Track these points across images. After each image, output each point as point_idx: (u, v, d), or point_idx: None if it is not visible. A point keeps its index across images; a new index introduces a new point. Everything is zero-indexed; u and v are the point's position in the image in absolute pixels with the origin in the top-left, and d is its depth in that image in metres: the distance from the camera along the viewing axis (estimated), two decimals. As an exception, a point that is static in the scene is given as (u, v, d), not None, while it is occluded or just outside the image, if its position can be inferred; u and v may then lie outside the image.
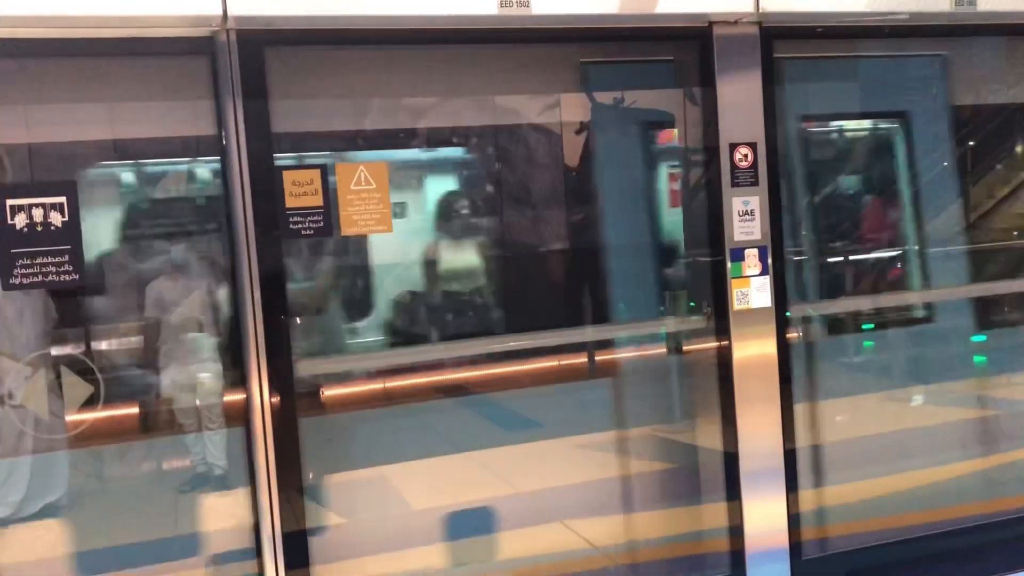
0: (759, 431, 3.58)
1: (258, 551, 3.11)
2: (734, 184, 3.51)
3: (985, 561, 3.91)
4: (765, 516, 3.59)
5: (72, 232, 2.82)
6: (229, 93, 2.97)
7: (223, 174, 3.03)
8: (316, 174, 3.06)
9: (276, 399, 3.05)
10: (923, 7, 3.57)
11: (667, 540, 3.78)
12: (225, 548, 3.36)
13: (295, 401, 3.11)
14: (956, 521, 4.00)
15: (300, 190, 3.05)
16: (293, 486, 3.12)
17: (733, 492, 3.58)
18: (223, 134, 2.99)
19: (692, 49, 3.53)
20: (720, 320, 3.55)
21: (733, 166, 3.51)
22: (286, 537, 3.10)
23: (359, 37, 3.16)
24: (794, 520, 3.63)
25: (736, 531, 3.58)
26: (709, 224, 3.56)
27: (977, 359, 4.74)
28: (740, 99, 3.52)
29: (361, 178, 3.13)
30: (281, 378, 3.06)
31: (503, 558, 3.67)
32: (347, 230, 3.12)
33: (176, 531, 3.47)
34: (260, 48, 3.00)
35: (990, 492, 4.22)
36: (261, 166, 3.00)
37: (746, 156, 3.52)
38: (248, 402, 3.07)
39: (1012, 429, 4.46)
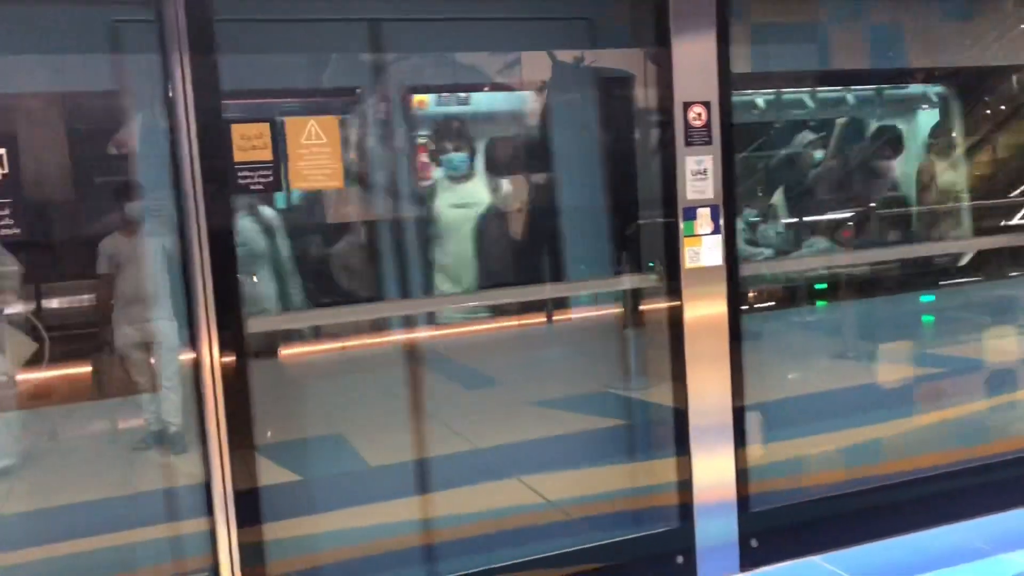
0: (709, 388, 3.64)
1: (209, 509, 3.11)
2: (688, 143, 3.52)
3: (926, 512, 4.03)
4: (713, 470, 3.66)
5: (12, 185, 2.76)
6: (175, 47, 2.92)
7: (170, 129, 2.98)
8: (265, 128, 3.01)
9: (226, 357, 3.03)
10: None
11: (619, 494, 3.85)
12: (177, 506, 3.36)
13: (247, 359, 3.10)
14: (897, 475, 4.11)
15: (249, 144, 3.00)
16: (245, 444, 3.12)
17: (683, 447, 3.64)
18: (169, 87, 2.93)
19: (648, 6, 3.52)
20: (672, 279, 3.58)
21: (687, 125, 3.52)
22: (238, 495, 3.10)
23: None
24: (742, 474, 3.70)
25: (685, 485, 3.65)
26: (663, 183, 3.58)
27: (925, 319, 4.85)
28: (695, 57, 3.51)
29: (312, 132, 3.09)
30: (231, 336, 3.04)
31: (459, 513, 3.70)
32: (297, 184, 3.09)
33: (129, 490, 3.46)
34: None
35: (931, 446, 4.33)
36: (208, 120, 2.95)
37: (700, 115, 3.52)
38: (198, 360, 3.05)
39: (953, 386, 4.58)
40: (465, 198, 4.17)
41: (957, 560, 3.75)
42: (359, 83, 3.87)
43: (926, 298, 4.79)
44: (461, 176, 4.15)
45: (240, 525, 3.09)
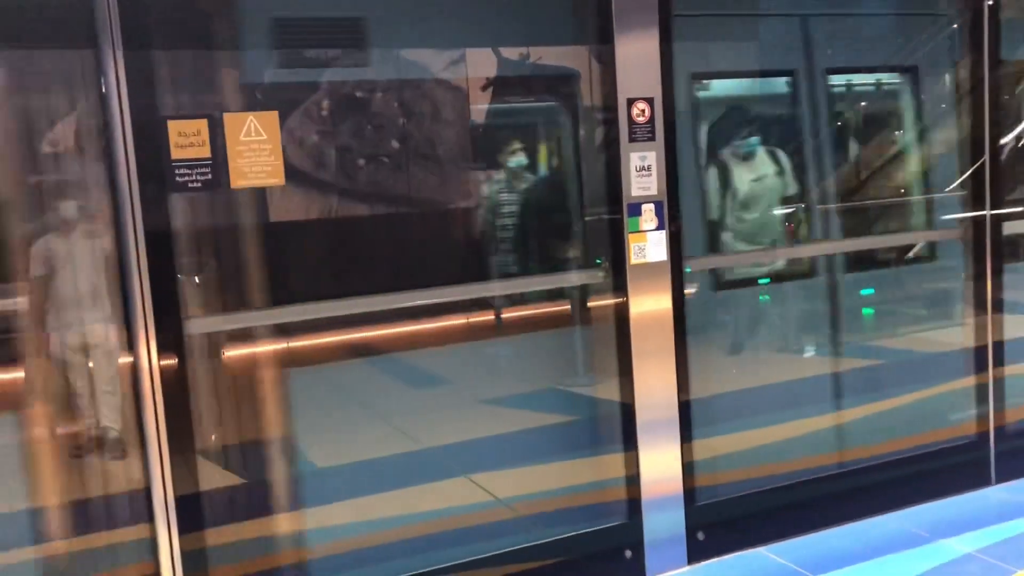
0: (654, 383, 3.66)
1: (150, 515, 3.04)
2: (631, 139, 3.54)
3: (868, 501, 4.12)
4: (660, 465, 3.69)
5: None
6: (108, 41, 2.84)
7: (105, 126, 2.90)
8: (203, 124, 2.95)
9: (165, 360, 2.97)
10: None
11: (568, 490, 3.85)
12: (117, 513, 3.27)
13: (186, 361, 3.03)
14: (840, 465, 4.19)
15: (186, 141, 2.94)
16: (187, 448, 3.05)
17: (630, 442, 3.66)
18: (102, 82, 2.86)
19: (591, 4, 3.53)
20: (618, 274, 3.60)
21: (630, 121, 3.53)
22: (179, 500, 3.03)
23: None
24: (688, 468, 3.74)
25: (633, 480, 3.67)
26: (607, 179, 3.59)
27: (865, 311, 4.95)
28: (638, 54, 3.53)
29: (251, 128, 3.04)
30: (170, 338, 2.98)
31: (409, 513, 3.68)
32: (237, 182, 3.03)
33: (66, 498, 3.36)
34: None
35: (870, 438, 4.42)
36: (144, 117, 2.88)
37: (643, 111, 3.54)
38: (135, 364, 2.98)
39: (892, 378, 4.68)
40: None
41: (899, 547, 3.83)
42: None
43: (866, 291, 4.89)
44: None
45: (182, 531, 3.03)
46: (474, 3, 3.67)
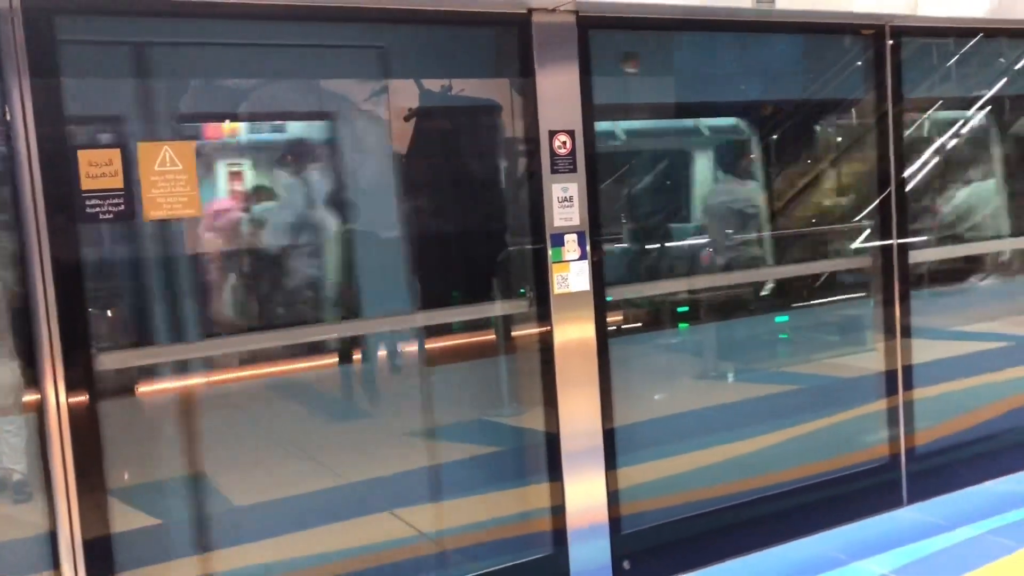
0: (579, 412, 3.68)
1: (55, 562, 2.90)
2: (553, 171, 3.58)
3: (788, 525, 4.19)
4: (585, 494, 3.69)
5: None
6: (14, 67, 2.74)
7: (9, 155, 2.80)
8: (116, 154, 2.87)
9: (73, 398, 2.85)
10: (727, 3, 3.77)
11: (494, 522, 3.82)
12: (20, 559, 3.11)
13: (97, 399, 2.92)
14: (761, 490, 4.26)
15: (98, 171, 2.85)
16: (96, 489, 2.93)
17: (555, 472, 3.66)
18: (6, 111, 2.75)
19: (512, 36, 3.57)
20: (541, 304, 3.62)
21: (552, 153, 3.57)
22: (88, 544, 2.90)
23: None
24: (613, 497, 3.75)
25: (558, 510, 3.66)
26: (531, 210, 3.61)
27: (782, 336, 5.07)
28: (558, 87, 3.58)
29: (166, 158, 2.97)
30: (79, 375, 2.86)
31: (330, 550, 3.59)
32: (151, 214, 2.95)
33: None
34: (50, 18, 2.78)
35: (790, 461, 4.52)
36: (52, 146, 2.79)
37: (564, 143, 3.59)
38: (42, 402, 2.85)
39: (809, 402, 4.80)
40: None
41: (819, 570, 3.91)
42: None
43: (780, 319, 5.01)
44: None
45: None
46: (400, 37, 3.67)
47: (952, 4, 4.40)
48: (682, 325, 4.71)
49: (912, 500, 4.58)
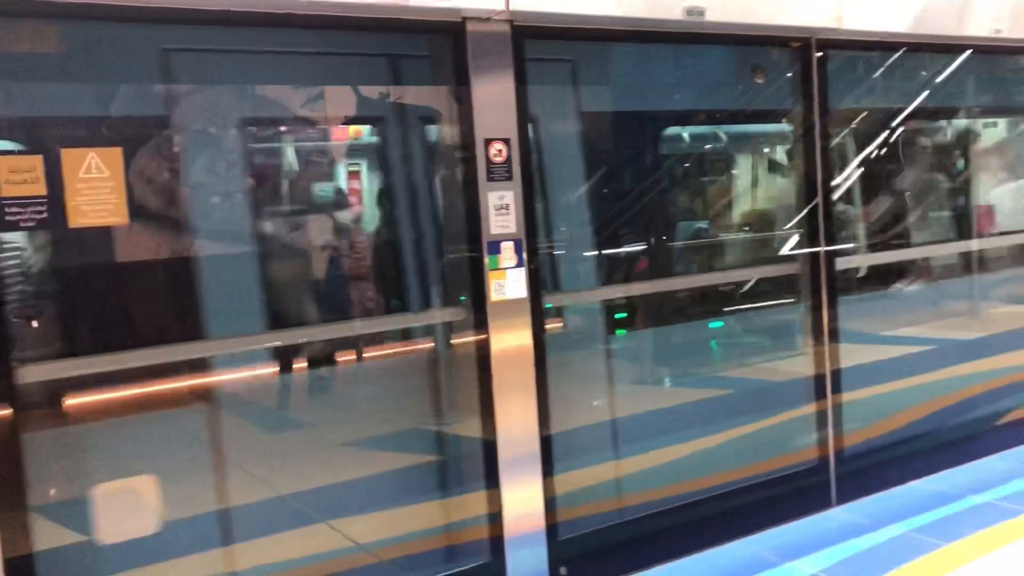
0: (516, 419, 3.68)
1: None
2: (489, 179, 3.59)
3: (722, 528, 4.26)
4: (522, 501, 3.70)
5: None
6: None
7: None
8: (38, 160, 2.80)
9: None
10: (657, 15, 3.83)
11: (431, 532, 3.81)
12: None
13: (18, 412, 2.83)
14: (696, 493, 4.32)
15: (19, 178, 2.77)
16: (18, 506, 2.83)
17: (492, 480, 3.66)
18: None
19: (447, 44, 3.57)
20: (478, 311, 3.62)
21: (488, 161, 3.58)
22: (8, 564, 2.80)
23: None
24: (550, 503, 3.77)
25: (495, 518, 3.66)
26: (467, 218, 3.62)
27: (712, 344, 5.16)
28: (494, 95, 3.60)
29: (91, 165, 2.89)
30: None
31: (266, 563, 3.53)
32: (76, 221, 2.88)
33: None
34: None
35: (727, 464, 4.59)
36: None
37: (500, 151, 3.60)
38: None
39: (744, 406, 4.89)
40: None
41: (751, 571, 3.97)
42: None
43: (715, 324, 5.10)
44: None
45: None
46: (336, 43, 3.64)
47: (875, 19, 4.55)
48: (619, 332, 4.76)
49: (841, 501, 4.69)
